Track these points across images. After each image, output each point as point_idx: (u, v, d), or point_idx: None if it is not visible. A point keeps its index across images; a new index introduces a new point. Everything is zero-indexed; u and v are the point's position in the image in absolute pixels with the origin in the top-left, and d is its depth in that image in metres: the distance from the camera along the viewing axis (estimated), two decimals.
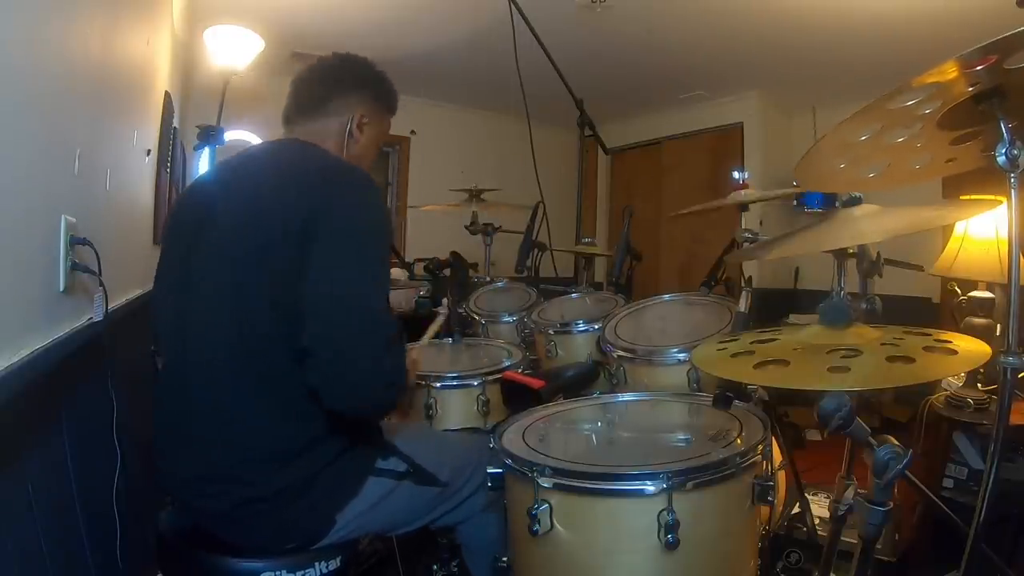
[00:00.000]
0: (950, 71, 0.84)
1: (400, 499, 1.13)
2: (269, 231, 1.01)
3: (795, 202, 4.50)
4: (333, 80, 1.26)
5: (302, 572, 1.03)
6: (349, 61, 1.29)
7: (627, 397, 1.39)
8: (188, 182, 3.02)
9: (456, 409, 1.63)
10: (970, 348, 0.85)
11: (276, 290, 1.00)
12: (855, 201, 1.06)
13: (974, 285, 1.90)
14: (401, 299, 2.63)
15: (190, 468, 1.06)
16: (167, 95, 2.38)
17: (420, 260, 2.30)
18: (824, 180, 1.22)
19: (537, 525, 0.94)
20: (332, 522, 1.06)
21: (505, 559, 1.10)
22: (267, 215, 1.03)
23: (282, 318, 1.00)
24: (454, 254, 2.27)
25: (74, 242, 1.12)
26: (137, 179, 1.96)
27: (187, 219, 1.15)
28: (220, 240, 1.05)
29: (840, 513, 1.12)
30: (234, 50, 2.88)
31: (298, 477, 1.02)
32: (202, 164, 2.97)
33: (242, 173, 1.16)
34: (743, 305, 1.45)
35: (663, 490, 0.90)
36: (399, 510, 1.15)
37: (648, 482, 0.91)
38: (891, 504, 0.88)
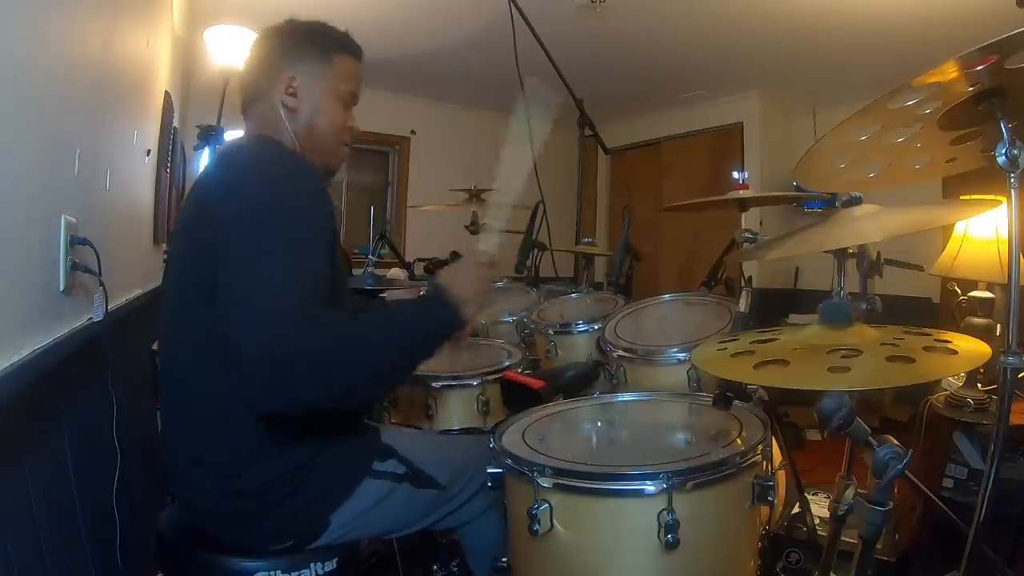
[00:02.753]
0: (950, 71, 0.84)
1: (398, 502, 1.13)
2: (196, 236, 0.99)
3: (795, 202, 4.51)
4: (253, 60, 1.15)
5: (297, 573, 1.03)
6: (264, 31, 1.15)
7: (627, 397, 1.39)
8: (188, 182, 3.03)
9: (456, 409, 1.63)
10: (970, 348, 0.85)
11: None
12: (855, 201, 1.06)
13: (974, 285, 1.90)
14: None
15: (186, 465, 1.06)
16: (167, 95, 2.38)
17: (420, 260, 2.31)
18: (825, 180, 1.22)
19: (537, 525, 0.94)
20: (327, 523, 1.06)
21: (505, 559, 1.10)
22: (194, 220, 1.01)
23: None
24: (454, 254, 2.27)
25: (74, 242, 1.12)
26: (137, 179, 1.96)
27: (179, 220, 1.16)
28: (186, 242, 1.04)
29: (840, 513, 1.12)
30: (234, 50, 2.88)
31: (290, 474, 1.02)
32: (202, 164, 2.98)
33: (203, 175, 1.14)
34: (743, 305, 1.45)
35: (663, 490, 0.90)
36: (397, 513, 1.15)
37: (648, 482, 0.91)
38: (891, 504, 0.88)
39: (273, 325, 0.82)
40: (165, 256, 2.48)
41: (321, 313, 0.86)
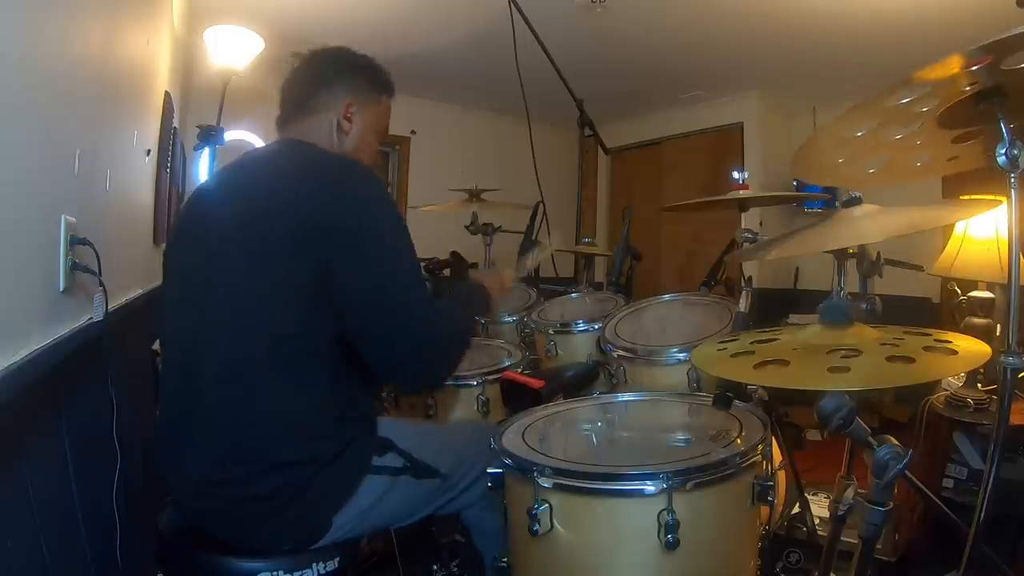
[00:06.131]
0: (950, 67, 0.84)
1: (399, 494, 1.13)
2: (273, 235, 1.01)
3: (795, 202, 4.51)
4: (314, 75, 1.23)
5: (299, 573, 1.03)
6: (328, 53, 1.26)
7: (627, 397, 1.39)
8: (188, 182, 3.03)
9: (456, 409, 1.63)
10: (970, 348, 0.85)
11: (281, 297, 1.00)
12: (855, 201, 1.06)
13: (974, 285, 1.90)
14: None
15: (192, 469, 1.05)
16: (167, 95, 2.38)
17: (420, 260, 2.30)
18: (825, 174, 1.22)
19: (537, 525, 0.94)
20: (329, 524, 1.06)
21: (505, 559, 1.10)
22: (270, 219, 1.02)
23: (288, 324, 1.01)
24: (454, 254, 2.27)
25: (74, 242, 1.12)
26: (137, 179, 1.96)
27: (192, 227, 1.15)
28: (224, 246, 1.05)
29: (840, 513, 1.12)
30: (234, 50, 2.88)
31: (295, 479, 1.02)
32: (202, 164, 2.98)
33: (242, 176, 1.15)
34: (743, 305, 1.45)
35: (663, 490, 0.90)
36: (399, 505, 1.15)
37: (648, 482, 0.92)
38: (891, 504, 0.89)
39: (429, 317, 1.09)
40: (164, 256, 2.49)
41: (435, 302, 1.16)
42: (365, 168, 1.12)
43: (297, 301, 1.01)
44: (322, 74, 1.23)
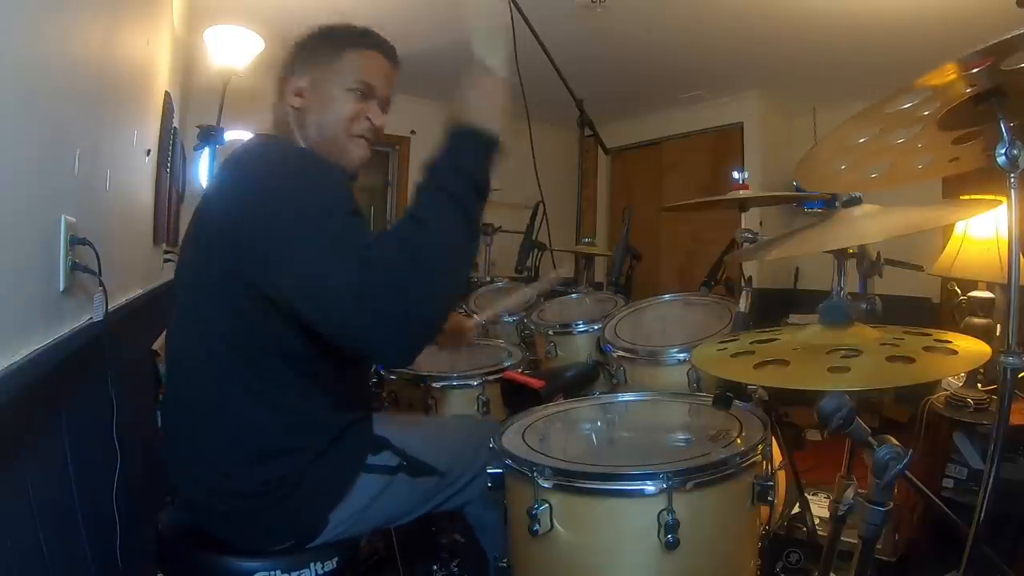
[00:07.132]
0: (947, 74, 0.84)
1: (396, 493, 1.13)
2: (212, 233, 1.01)
3: (795, 202, 4.51)
4: (279, 65, 1.19)
5: (297, 572, 1.03)
6: (292, 41, 1.20)
7: (627, 397, 1.39)
8: (188, 182, 3.03)
9: (456, 409, 1.63)
10: (970, 348, 0.85)
11: (237, 292, 0.97)
12: (855, 201, 1.06)
13: (974, 285, 1.90)
14: None
15: (188, 466, 1.07)
16: (167, 95, 2.38)
17: None
18: (825, 182, 1.22)
19: (537, 525, 0.94)
20: (326, 521, 1.06)
21: (505, 559, 1.10)
22: (210, 216, 1.03)
23: (244, 325, 1.00)
24: None
25: (74, 242, 1.12)
26: (137, 179, 1.96)
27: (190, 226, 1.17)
28: (186, 249, 1.09)
29: (840, 513, 1.12)
30: (234, 50, 2.88)
31: (284, 473, 1.02)
32: (202, 164, 2.98)
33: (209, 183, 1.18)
34: (743, 305, 1.45)
35: (663, 490, 0.90)
36: (396, 504, 1.15)
37: (648, 482, 0.91)
38: (891, 504, 0.88)
39: (355, 294, 0.83)
40: (167, 257, 2.50)
41: (378, 245, 0.86)
42: (275, 155, 1.02)
43: (245, 303, 0.97)
44: (283, 61, 1.19)
